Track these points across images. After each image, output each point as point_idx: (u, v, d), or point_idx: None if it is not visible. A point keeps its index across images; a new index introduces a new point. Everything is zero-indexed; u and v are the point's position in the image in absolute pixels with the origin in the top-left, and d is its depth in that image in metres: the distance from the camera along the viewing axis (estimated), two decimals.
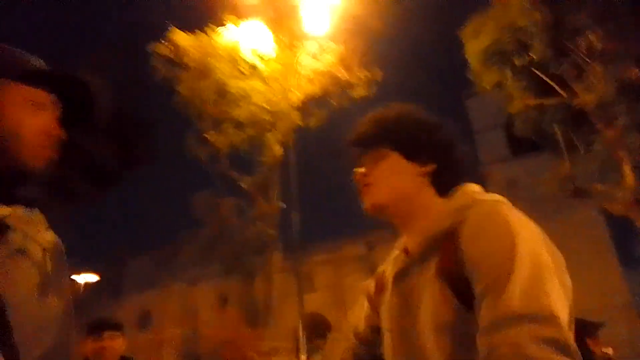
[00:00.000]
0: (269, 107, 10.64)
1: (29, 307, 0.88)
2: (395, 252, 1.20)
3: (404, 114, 1.19)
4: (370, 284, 1.30)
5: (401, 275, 1.10)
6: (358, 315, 1.35)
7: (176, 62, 10.48)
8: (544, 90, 12.44)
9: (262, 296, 11.66)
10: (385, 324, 1.14)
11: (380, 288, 1.23)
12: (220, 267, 14.46)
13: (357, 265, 22.64)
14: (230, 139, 10.65)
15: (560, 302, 0.85)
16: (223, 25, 10.48)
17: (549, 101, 12.40)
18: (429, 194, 1.11)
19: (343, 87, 11.64)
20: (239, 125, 10.81)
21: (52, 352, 0.92)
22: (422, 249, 1.04)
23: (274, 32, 10.82)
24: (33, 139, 0.95)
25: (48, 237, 0.97)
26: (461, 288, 0.94)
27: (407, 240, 1.13)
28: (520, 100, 12.90)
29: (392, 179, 1.12)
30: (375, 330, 1.23)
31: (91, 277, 21.00)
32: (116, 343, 2.52)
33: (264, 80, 10.87)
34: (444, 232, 1.01)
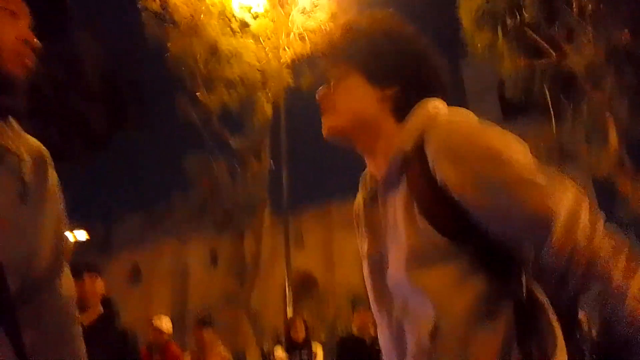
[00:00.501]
0: (259, 66, 10.56)
1: (10, 214, 0.87)
2: (362, 181, 1.14)
3: (375, 26, 1.09)
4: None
5: (369, 201, 1.07)
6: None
7: (167, 18, 10.30)
8: (535, 51, 12.42)
9: (252, 254, 11.90)
10: (362, 252, 1.10)
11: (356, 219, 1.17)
12: (211, 225, 14.65)
13: (345, 225, 23.05)
14: (222, 99, 10.60)
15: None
16: None
17: (539, 62, 12.41)
18: (390, 119, 1.03)
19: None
20: (230, 84, 10.72)
21: (41, 256, 0.93)
22: (386, 173, 0.99)
23: None
24: (12, 47, 0.91)
25: (25, 146, 0.95)
26: (434, 212, 0.91)
27: (371, 166, 1.09)
28: (511, 61, 12.89)
29: (347, 102, 1.05)
30: None
31: (80, 234, 21.14)
32: (97, 284, 2.67)
33: (255, 37, 10.74)
34: (408, 153, 0.96)
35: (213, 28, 10.27)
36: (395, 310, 0.98)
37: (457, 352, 0.87)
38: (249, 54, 10.39)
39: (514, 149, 0.89)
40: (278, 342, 8.16)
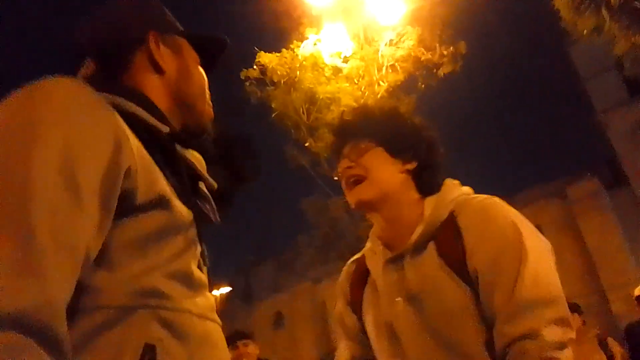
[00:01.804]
0: (357, 105, 10.96)
1: None
2: (370, 245, 1.25)
3: (390, 111, 1.24)
4: (343, 288, 1.34)
5: (393, 265, 1.14)
6: (342, 311, 1.34)
7: (267, 82, 11.24)
8: None
9: None
10: (378, 317, 1.17)
11: (358, 282, 1.27)
12: (339, 262, 15.08)
13: None
14: (327, 143, 11.13)
15: (558, 282, 1.01)
16: (303, 39, 11.05)
17: None
18: (411, 190, 1.16)
19: (428, 68, 11.58)
20: (333, 128, 11.25)
21: None
22: (419, 238, 1.10)
23: (349, 32, 11.11)
24: (208, 96, 0.96)
25: None
26: (460, 272, 1.04)
27: (389, 234, 1.18)
28: (625, 40, 11.80)
29: (380, 173, 1.14)
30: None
31: (225, 289, 22.87)
32: (250, 348, 3.02)
33: (349, 80, 11.20)
34: (442, 222, 1.09)
35: (309, 80, 10.95)
36: None
37: None
38: (346, 96, 10.84)
39: (531, 241, 1.03)
40: None
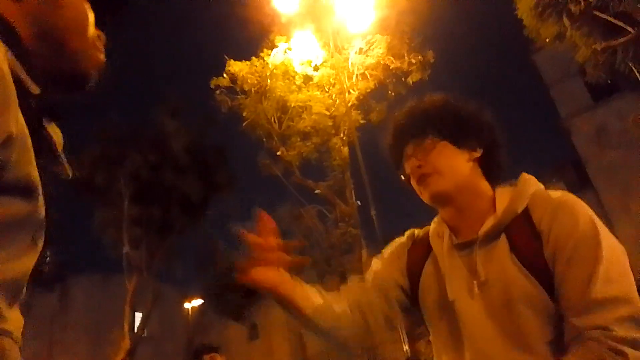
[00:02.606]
0: (329, 113, 11.01)
1: None
2: (435, 226, 1.25)
3: (444, 102, 1.22)
4: (399, 252, 1.31)
5: (460, 251, 1.16)
6: (390, 268, 1.31)
7: (237, 90, 11.18)
8: (609, 30, 11.70)
9: None
10: (438, 297, 1.18)
11: (419, 255, 1.26)
12: (313, 271, 15.02)
13: None
14: (299, 151, 11.14)
15: (633, 283, 1.00)
16: (274, 47, 11.05)
17: (618, 41, 11.65)
18: (481, 179, 1.18)
19: (397, 76, 11.72)
20: (305, 136, 11.27)
21: None
22: (492, 229, 1.11)
23: (320, 40, 11.17)
24: (92, 37, 0.76)
25: None
26: (532, 264, 1.05)
27: (457, 221, 1.18)
28: (586, 47, 12.22)
29: (451, 166, 1.15)
30: (403, 294, 1.27)
31: (197, 302, 22.53)
32: None
33: (320, 88, 11.25)
34: (517, 215, 1.10)
35: (280, 89, 10.95)
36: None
37: None
38: (318, 104, 10.89)
39: (606, 239, 1.03)
40: None
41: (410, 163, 1.19)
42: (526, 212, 1.10)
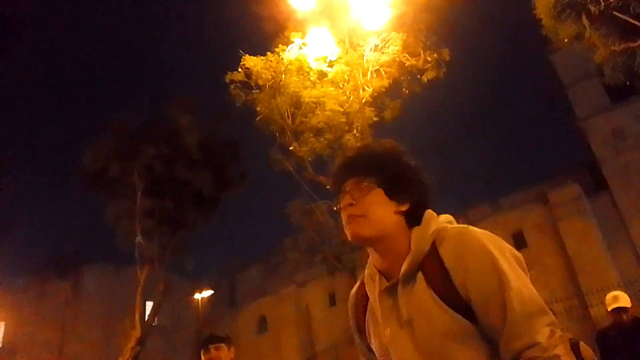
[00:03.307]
0: (342, 109, 11.01)
1: None
2: (368, 272, 1.34)
3: (392, 153, 1.31)
4: (350, 313, 1.42)
5: (388, 294, 1.24)
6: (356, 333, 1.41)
7: (252, 85, 11.23)
8: (628, 31, 11.52)
9: None
10: (379, 340, 1.26)
11: (361, 307, 1.37)
12: (323, 267, 15.07)
13: None
14: (312, 147, 11.16)
15: (536, 293, 1.11)
16: (289, 42, 11.07)
17: (637, 43, 11.47)
18: (402, 226, 1.25)
19: (412, 73, 11.67)
20: (318, 132, 11.29)
21: None
22: (408, 270, 1.19)
23: (335, 37, 11.16)
24: None
25: None
26: (448, 297, 1.13)
27: (384, 264, 1.27)
28: (605, 48, 12.05)
29: (378, 214, 1.23)
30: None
31: (207, 293, 22.74)
32: (222, 352, 3.00)
33: (334, 84, 11.25)
34: (426, 253, 1.19)
35: (294, 84, 10.97)
36: None
37: None
38: (331, 100, 10.89)
39: (505, 260, 1.13)
40: None
41: (345, 199, 1.27)
42: (434, 249, 1.19)
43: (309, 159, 11.27)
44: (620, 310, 4.16)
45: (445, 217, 1.29)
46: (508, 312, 1.06)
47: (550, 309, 1.10)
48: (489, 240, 1.16)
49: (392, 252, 1.24)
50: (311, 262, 15.67)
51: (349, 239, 1.26)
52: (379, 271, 1.29)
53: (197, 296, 22.59)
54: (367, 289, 1.32)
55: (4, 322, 18.14)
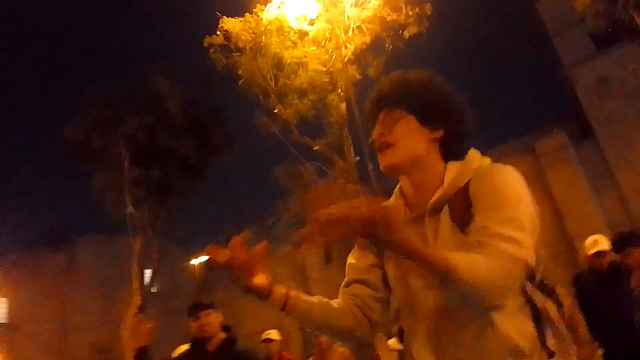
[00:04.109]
0: (325, 69, 10.87)
1: None
2: (392, 200, 1.32)
3: (424, 80, 1.28)
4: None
5: (414, 224, 1.22)
6: (362, 254, 1.37)
7: (232, 48, 11.00)
8: None
9: None
10: (397, 266, 1.26)
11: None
12: None
13: None
14: (297, 109, 11.08)
15: (531, 234, 1.09)
16: (267, 2, 10.78)
17: None
18: (436, 157, 1.25)
19: (394, 29, 11.47)
20: (302, 93, 11.17)
21: None
22: (437, 202, 1.19)
23: None
24: None
25: None
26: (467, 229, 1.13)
27: (412, 195, 1.27)
28: None
29: (408, 141, 1.23)
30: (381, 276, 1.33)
31: (203, 258, 23.04)
32: (211, 317, 3.07)
33: (316, 43, 11.06)
34: (459, 189, 1.19)
35: (275, 45, 10.77)
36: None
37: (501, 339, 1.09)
38: (313, 60, 10.73)
39: (526, 202, 1.13)
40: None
41: (377, 129, 1.27)
42: (467, 185, 1.19)
43: (294, 121, 11.21)
44: (599, 254, 4.08)
45: (488, 159, 1.27)
46: (489, 218, 1.07)
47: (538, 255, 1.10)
48: (520, 181, 1.16)
49: (424, 183, 1.24)
50: (302, 223, 15.85)
51: (382, 170, 1.26)
52: (405, 202, 1.29)
53: (194, 261, 22.88)
54: None
55: (6, 299, 18.34)
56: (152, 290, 16.93)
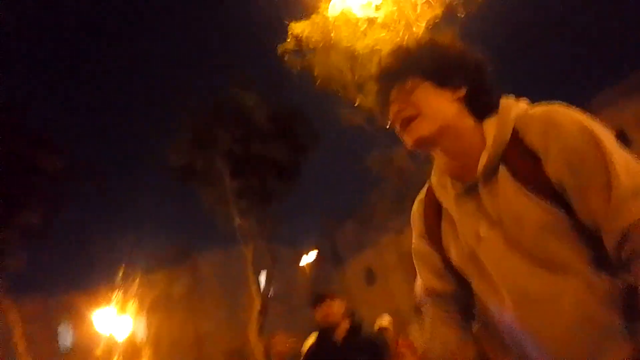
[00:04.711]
0: None
1: None
2: (436, 179, 1.22)
3: (427, 43, 1.17)
4: (418, 226, 1.29)
5: (466, 197, 1.12)
6: (427, 269, 1.29)
7: (304, 50, 11.28)
8: None
9: None
10: (461, 250, 1.15)
11: (433, 217, 1.24)
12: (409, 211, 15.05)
13: None
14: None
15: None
16: None
17: None
18: (467, 117, 1.12)
19: None
20: None
21: None
22: (488, 165, 1.06)
23: None
24: None
25: None
26: (539, 187, 1.01)
27: (454, 167, 1.15)
28: None
29: (433, 107, 1.10)
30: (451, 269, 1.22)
31: (312, 253, 23.78)
32: (334, 305, 3.21)
33: (385, 27, 10.95)
34: (507, 142, 1.05)
35: (346, 39, 10.84)
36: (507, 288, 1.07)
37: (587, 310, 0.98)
38: (386, 45, 10.61)
39: (605, 136, 0.99)
40: None
41: (392, 109, 1.14)
42: (516, 137, 1.05)
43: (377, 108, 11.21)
44: None
45: (523, 101, 1.13)
46: (614, 190, 0.93)
47: None
48: (582, 117, 1.02)
49: (463, 150, 1.12)
50: (402, 209, 15.76)
51: (412, 148, 1.13)
52: (450, 176, 1.17)
53: (304, 259, 23.72)
54: (438, 197, 1.20)
55: (139, 317, 20.35)
56: (270, 294, 17.79)
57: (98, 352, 19.34)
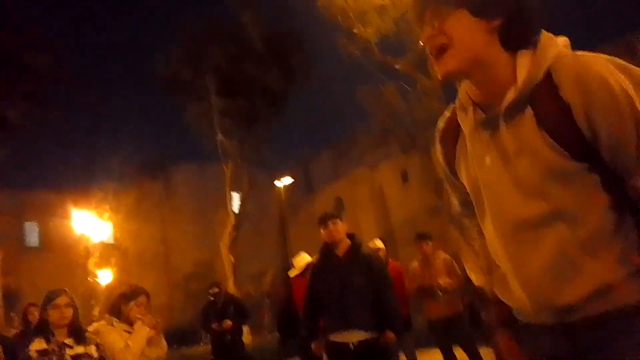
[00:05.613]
0: None
1: None
2: (459, 102, 1.19)
3: None
4: (438, 147, 1.31)
5: (485, 127, 1.10)
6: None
7: None
8: None
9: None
10: (470, 176, 1.17)
11: (451, 138, 1.24)
12: (397, 147, 15.37)
13: None
14: (377, 26, 10.87)
15: None
16: None
17: None
18: (500, 50, 1.07)
19: None
20: (381, 10, 10.89)
21: None
22: (514, 102, 1.04)
23: None
24: None
25: None
26: (563, 134, 1.00)
27: (480, 95, 1.12)
28: None
29: (465, 38, 1.06)
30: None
31: (287, 180, 24.11)
32: (339, 225, 3.52)
33: None
34: (538, 83, 1.02)
35: None
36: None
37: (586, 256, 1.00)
38: None
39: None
40: None
41: (425, 32, 1.10)
42: (550, 80, 1.02)
43: (375, 40, 11.05)
44: None
45: (563, 40, 1.07)
46: None
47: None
48: (621, 67, 1.00)
49: (491, 82, 1.08)
50: (382, 144, 16.01)
51: (439, 77, 1.12)
52: (473, 102, 1.14)
53: (278, 183, 24.03)
54: (459, 120, 1.18)
55: (111, 222, 20.57)
56: (243, 211, 18.21)
57: (73, 251, 19.73)
